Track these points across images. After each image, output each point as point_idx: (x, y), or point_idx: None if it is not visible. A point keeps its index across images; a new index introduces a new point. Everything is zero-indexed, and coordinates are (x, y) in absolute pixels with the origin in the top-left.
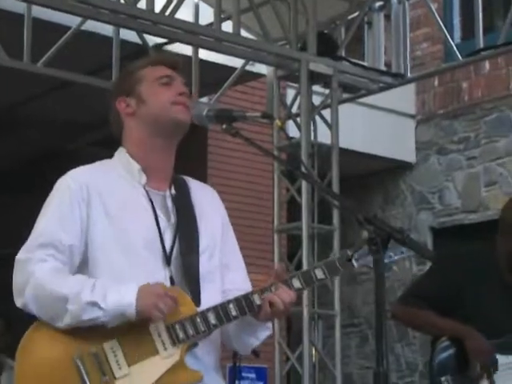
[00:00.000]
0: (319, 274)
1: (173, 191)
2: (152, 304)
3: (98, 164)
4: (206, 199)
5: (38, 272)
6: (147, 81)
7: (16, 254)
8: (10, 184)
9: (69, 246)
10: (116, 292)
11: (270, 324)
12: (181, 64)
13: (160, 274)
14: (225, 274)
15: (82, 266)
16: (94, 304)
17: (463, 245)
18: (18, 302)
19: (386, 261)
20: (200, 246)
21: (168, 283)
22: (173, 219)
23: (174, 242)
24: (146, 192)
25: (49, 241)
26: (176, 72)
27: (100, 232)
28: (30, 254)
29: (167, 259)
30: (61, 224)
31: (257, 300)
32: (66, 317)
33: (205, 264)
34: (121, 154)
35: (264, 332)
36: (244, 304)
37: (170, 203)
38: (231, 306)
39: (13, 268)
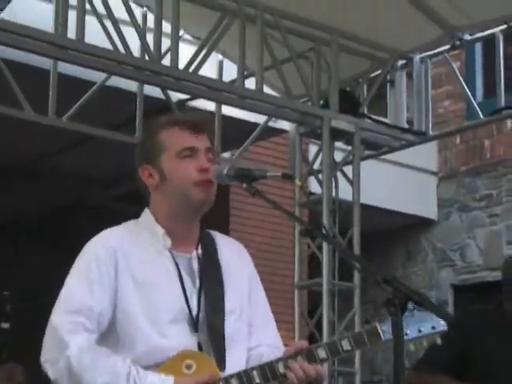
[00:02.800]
0: (346, 345)
1: (199, 251)
2: None
3: (124, 227)
4: (233, 256)
5: (73, 348)
6: (169, 152)
7: (32, 303)
8: (33, 232)
9: (98, 314)
10: None
11: None
12: (207, 125)
13: (187, 341)
14: (252, 331)
15: (109, 331)
16: None
17: (485, 303)
18: (49, 370)
19: (414, 335)
20: (226, 308)
21: (196, 349)
22: (198, 282)
23: (199, 306)
24: (172, 256)
25: (79, 307)
26: (201, 133)
27: (127, 299)
28: (62, 319)
29: (194, 325)
30: (90, 290)
31: (281, 368)
32: None
33: (231, 325)
34: (147, 216)
35: None
36: (267, 371)
37: (195, 265)
38: (255, 372)
39: (32, 316)
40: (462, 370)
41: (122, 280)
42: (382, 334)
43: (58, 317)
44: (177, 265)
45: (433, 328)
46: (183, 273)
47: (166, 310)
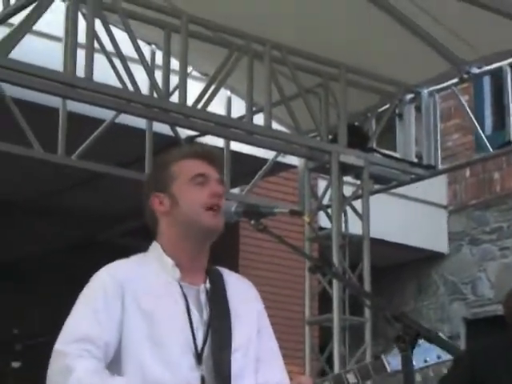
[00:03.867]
0: (351, 378)
1: (208, 285)
2: None
3: (133, 259)
4: (241, 293)
5: (79, 371)
6: (181, 179)
7: (43, 341)
8: (42, 270)
9: (105, 343)
10: None
11: None
12: (217, 157)
13: (191, 375)
14: (259, 368)
15: (114, 362)
16: None
17: (497, 336)
18: None
19: (420, 365)
20: (233, 343)
21: (199, 383)
22: (206, 315)
23: (206, 339)
24: (181, 287)
25: (85, 335)
26: (212, 165)
27: (133, 331)
28: (67, 347)
29: (199, 358)
30: (97, 319)
31: None
32: None
33: (238, 361)
34: (155, 248)
35: None
36: None
37: (203, 298)
38: None
39: (43, 354)
40: None
41: (129, 312)
42: (387, 366)
43: (63, 345)
44: (185, 297)
45: (438, 357)
46: (191, 305)
47: (172, 343)
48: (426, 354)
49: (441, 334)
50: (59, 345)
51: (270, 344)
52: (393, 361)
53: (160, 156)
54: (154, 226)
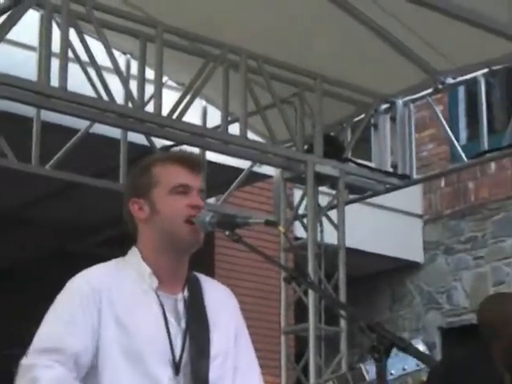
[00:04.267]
0: None
1: (185, 293)
2: None
3: (110, 264)
4: (219, 300)
5: (43, 380)
6: (162, 187)
7: (15, 354)
8: (15, 282)
9: (75, 353)
10: None
11: None
12: (199, 164)
13: None
14: (237, 375)
15: (90, 373)
16: None
17: (472, 345)
18: None
19: (399, 374)
20: (211, 352)
21: None
22: (183, 324)
23: (183, 349)
24: (158, 296)
25: (54, 346)
26: (194, 172)
27: (109, 341)
28: (34, 359)
29: (176, 368)
30: (68, 329)
31: None
32: None
33: (216, 370)
34: (134, 254)
35: None
36: None
37: (181, 307)
38: None
39: (14, 368)
40: None
41: (105, 322)
42: (366, 375)
43: (31, 357)
44: (162, 306)
45: (417, 365)
46: (168, 314)
47: (149, 353)
48: (405, 363)
49: (420, 342)
50: (27, 359)
51: (247, 353)
52: (371, 369)
53: (142, 160)
54: (133, 232)
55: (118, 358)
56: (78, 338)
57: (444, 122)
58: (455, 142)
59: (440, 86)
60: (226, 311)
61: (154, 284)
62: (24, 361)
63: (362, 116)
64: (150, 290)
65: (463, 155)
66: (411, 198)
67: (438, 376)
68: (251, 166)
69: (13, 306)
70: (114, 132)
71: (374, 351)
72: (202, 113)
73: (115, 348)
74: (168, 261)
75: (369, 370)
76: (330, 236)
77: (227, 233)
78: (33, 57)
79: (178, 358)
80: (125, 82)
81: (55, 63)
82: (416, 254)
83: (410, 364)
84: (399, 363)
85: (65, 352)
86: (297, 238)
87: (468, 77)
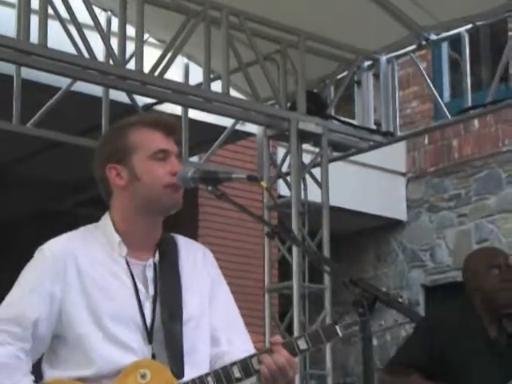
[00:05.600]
0: (302, 344)
1: (156, 258)
2: None
3: (80, 232)
4: (195, 261)
5: None
6: (142, 153)
7: None
8: None
9: (33, 322)
10: None
11: None
12: (176, 128)
13: (141, 352)
14: (219, 335)
15: (57, 342)
16: None
17: (455, 302)
18: None
19: (376, 329)
20: (184, 316)
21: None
22: (152, 290)
23: (154, 315)
24: (127, 263)
25: (13, 316)
26: (171, 137)
27: (75, 308)
28: None
29: (148, 335)
30: (29, 298)
31: (255, 364)
32: None
33: (189, 334)
34: (105, 221)
35: None
36: (222, 376)
37: (150, 273)
38: (209, 378)
39: None
40: (435, 370)
41: (71, 292)
42: (339, 331)
43: None
44: (131, 273)
45: (395, 321)
46: (137, 281)
47: (118, 320)
48: (382, 318)
49: (400, 299)
50: None
51: (227, 311)
52: (348, 324)
53: (116, 123)
54: (107, 198)
55: (86, 326)
56: (38, 306)
57: (428, 79)
58: (439, 99)
59: (424, 43)
60: (202, 271)
61: (123, 252)
62: None
63: (345, 73)
64: (120, 258)
65: (447, 112)
66: (395, 156)
67: (421, 331)
68: (234, 124)
69: None
70: (96, 90)
71: (357, 306)
72: (183, 70)
73: (83, 315)
74: (142, 226)
75: (346, 326)
76: (314, 194)
77: (210, 188)
78: (12, 13)
79: (148, 325)
80: (105, 39)
81: (35, 20)
82: (399, 212)
83: (388, 320)
84: (376, 319)
85: (22, 322)
86: (280, 196)
87: (452, 32)
